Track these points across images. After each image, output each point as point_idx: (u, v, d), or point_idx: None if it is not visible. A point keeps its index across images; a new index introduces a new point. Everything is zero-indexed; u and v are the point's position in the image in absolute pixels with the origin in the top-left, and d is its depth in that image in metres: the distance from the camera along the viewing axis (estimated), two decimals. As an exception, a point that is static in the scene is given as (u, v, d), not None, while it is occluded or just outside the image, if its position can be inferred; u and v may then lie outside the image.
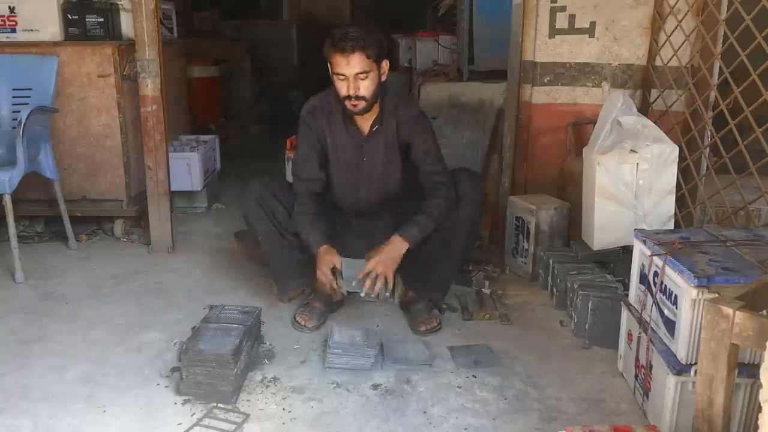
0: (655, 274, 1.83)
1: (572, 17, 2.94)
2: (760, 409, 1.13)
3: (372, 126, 2.36)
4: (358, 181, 2.45)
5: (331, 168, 2.45)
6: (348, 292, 2.29)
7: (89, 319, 2.46)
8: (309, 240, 2.33)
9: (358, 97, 2.22)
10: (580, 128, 3.03)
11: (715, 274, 1.62)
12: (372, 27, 2.26)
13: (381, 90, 2.29)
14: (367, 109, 2.28)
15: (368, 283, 2.21)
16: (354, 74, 2.19)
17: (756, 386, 1.61)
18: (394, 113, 2.36)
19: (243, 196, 2.41)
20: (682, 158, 2.55)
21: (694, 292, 1.62)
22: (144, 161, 3.07)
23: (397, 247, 2.25)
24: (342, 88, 2.22)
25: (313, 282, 2.46)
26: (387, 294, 2.27)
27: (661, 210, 2.53)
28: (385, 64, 2.28)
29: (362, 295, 2.22)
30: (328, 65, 2.25)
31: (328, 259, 2.27)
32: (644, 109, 2.89)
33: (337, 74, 2.21)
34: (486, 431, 1.82)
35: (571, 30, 2.95)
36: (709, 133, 2.50)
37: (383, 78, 2.28)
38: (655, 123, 2.59)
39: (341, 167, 2.43)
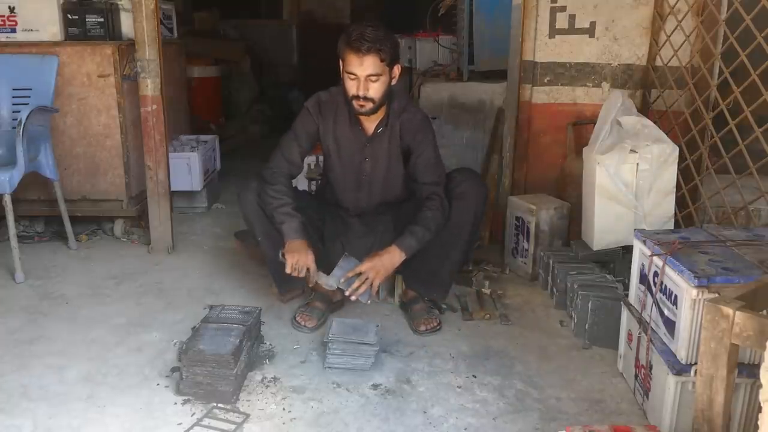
0: (655, 274, 1.83)
1: (572, 17, 2.94)
2: (760, 409, 1.13)
3: (377, 127, 2.36)
4: (359, 181, 2.45)
5: (332, 166, 2.45)
6: (337, 287, 2.28)
7: (89, 319, 2.46)
8: (282, 227, 2.26)
9: (366, 98, 2.21)
10: (580, 128, 3.03)
11: (715, 274, 1.62)
12: (386, 29, 2.22)
13: (389, 93, 2.29)
14: (373, 111, 2.28)
15: (356, 283, 2.20)
16: (366, 75, 2.17)
17: (756, 386, 1.61)
18: (399, 116, 2.36)
19: (242, 196, 2.40)
20: (682, 158, 2.56)
21: (694, 292, 1.62)
22: (144, 161, 3.07)
23: (393, 256, 2.25)
24: (352, 87, 2.21)
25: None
26: (368, 300, 2.29)
27: (661, 210, 2.53)
28: (397, 69, 2.27)
29: (346, 293, 2.23)
30: (340, 62, 2.24)
31: (300, 256, 2.21)
32: (644, 109, 2.89)
33: (349, 73, 2.20)
34: (486, 431, 1.82)
35: (571, 30, 2.95)
36: (709, 133, 2.50)
37: (393, 82, 2.28)
38: (655, 123, 2.59)
39: (343, 166, 2.43)
